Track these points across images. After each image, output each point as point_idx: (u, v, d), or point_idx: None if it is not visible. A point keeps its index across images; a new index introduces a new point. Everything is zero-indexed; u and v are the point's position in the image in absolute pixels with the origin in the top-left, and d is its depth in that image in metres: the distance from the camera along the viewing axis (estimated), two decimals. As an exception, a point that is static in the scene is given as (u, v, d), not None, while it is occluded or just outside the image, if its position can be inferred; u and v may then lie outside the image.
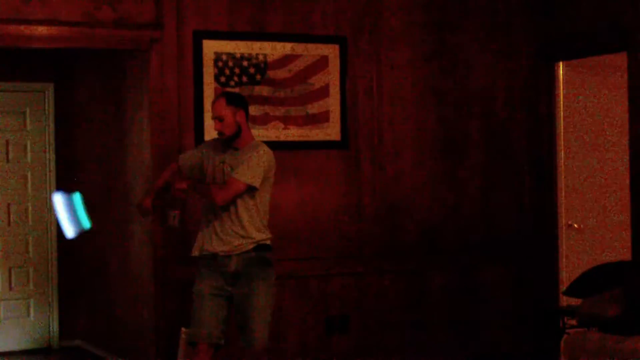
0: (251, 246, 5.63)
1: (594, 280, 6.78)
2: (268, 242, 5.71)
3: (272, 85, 6.95)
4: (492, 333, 7.59)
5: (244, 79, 6.87)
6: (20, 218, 8.77)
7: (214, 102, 5.77)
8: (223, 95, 5.86)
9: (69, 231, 5.55)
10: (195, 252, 5.74)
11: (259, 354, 5.63)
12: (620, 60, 7.18)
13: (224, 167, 5.66)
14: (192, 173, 5.80)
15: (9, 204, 8.73)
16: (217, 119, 5.65)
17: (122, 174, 7.76)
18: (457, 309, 7.50)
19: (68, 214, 5.50)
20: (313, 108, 7.09)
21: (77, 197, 5.44)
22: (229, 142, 5.68)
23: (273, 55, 6.98)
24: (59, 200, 5.50)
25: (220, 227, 5.61)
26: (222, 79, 6.82)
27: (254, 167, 5.58)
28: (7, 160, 8.72)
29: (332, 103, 7.13)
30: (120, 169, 7.80)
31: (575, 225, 7.74)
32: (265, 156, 5.65)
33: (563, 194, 7.72)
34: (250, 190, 5.58)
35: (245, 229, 5.61)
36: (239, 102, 5.72)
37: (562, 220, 7.71)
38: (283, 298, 6.83)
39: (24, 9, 6.30)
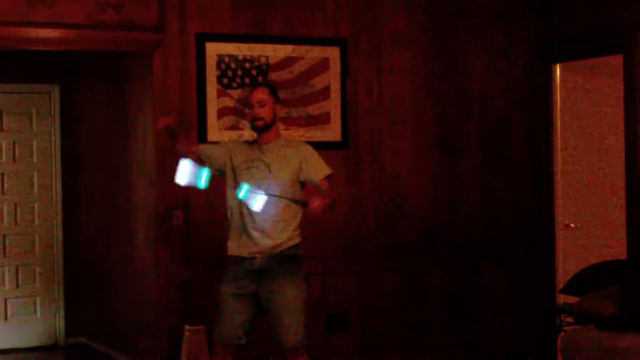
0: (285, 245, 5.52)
1: (591, 278, 6.78)
2: (297, 238, 5.59)
3: (274, 86, 7.01)
4: (490, 331, 7.60)
5: (246, 80, 6.91)
6: (27, 218, 8.80)
7: (253, 91, 5.61)
8: (264, 85, 5.85)
9: (182, 179, 5.34)
10: (234, 252, 5.57)
11: (292, 351, 5.50)
12: (616, 62, 7.18)
13: (259, 165, 5.51)
14: (205, 160, 5.61)
15: (15, 204, 8.77)
16: (259, 104, 5.50)
17: (126, 175, 7.79)
18: (456, 307, 7.52)
19: (190, 172, 5.35)
20: (314, 109, 7.11)
21: (204, 169, 5.37)
22: (262, 131, 5.53)
23: (275, 57, 7.00)
24: (186, 167, 5.34)
25: (271, 229, 5.48)
26: (225, 81, 6.85)
27: (319, 158, 5.56)
28: (14, 161, 8.76)
29: (333, 104, 7.16)
30: (124, 169, 7.83)
31: (572, 225, 7.74)
32: None
33: (560, 194, 7.73)
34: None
35: (284, 226, 5.52)
36: (277, 96, 5.64)
37: (560, 220, 7.72)
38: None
39: (29, 12, 6.32)
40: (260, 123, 5.54)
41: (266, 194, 5.30)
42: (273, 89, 5.66)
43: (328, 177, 5.58)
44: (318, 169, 5.55)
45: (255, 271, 5.50)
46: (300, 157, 5.55)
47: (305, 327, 5.54)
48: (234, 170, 5.58)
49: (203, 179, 5.35)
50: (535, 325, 7.68)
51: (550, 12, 7.66)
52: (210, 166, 5.54)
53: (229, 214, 5.60)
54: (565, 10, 7.55)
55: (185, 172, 5.36)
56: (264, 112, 5.52)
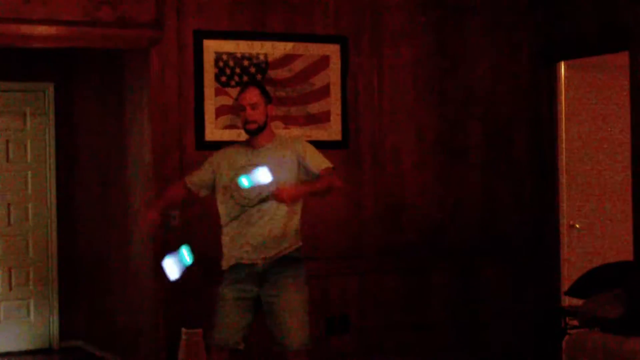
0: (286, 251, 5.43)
1: (596, 280, 6.77)
2: (298, 242, 5.51)
3: (273, 85, 6.93)
4: (493, 333, 7.58)
5: (245, 78, 6.86)
6: (21, 218, 8.78)
7: (243, 91, 5.45)
8: (254, 84, 5.63)
9: (173, 274, 5.26)
10: (225, 265, 5.50)
11: (295, 354, 5.38)
12: (622, 59, 7.16)
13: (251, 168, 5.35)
14: (201, 191, 5.57)
15: (9, 204, 8.74)
16: (250, 106, 5.35)
17: (122, 174, 7.77)
18: (458, 309, 7.50)
19: (174, 262, 5.26)
20: (314, 108, 7.08)
21: (182, 248, 5.25)
22: (255, 134, 5.40)
23: (274, 54, 6.97)
24: (169, 262, 5.25)
25: (270, 240, 5.40)
26: (223, 79, 6.80)
27: (317, 153, 5.43)
28: (7, 160, 8.73)
29: (333, 103, 7.13)
30: (121, 168, 7.81)
31: (577, 226, 7.73)
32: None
33: (565, 194, 7.71)
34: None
35: (286, 232, 5.43)
36: (269, 96, 5.50)
37: (564, 221, 7.70)
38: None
39: (24, 9, 6.28)
40: (253, 126, 5.41)
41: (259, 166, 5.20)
42: (263, 89, 5.53)
43: (330, 170, 5.44)
44: (316, 163, 5.40)
45: (257, 274, 5.41)
46: (297, 156, 5.43)
47: (309, 330, 5.45)
48: (224, 187, 5.46)
49: (186, 256, 5.25)
50: (538, 326, 7.66)
51: (554, 9, 7.64)
52: (207, 190, 5.57)
53: (222, 223, 5.52)
54: (570, 7, 7.54)
55: (171, 267, 5.26)
56: (257, 115, 5.39)
